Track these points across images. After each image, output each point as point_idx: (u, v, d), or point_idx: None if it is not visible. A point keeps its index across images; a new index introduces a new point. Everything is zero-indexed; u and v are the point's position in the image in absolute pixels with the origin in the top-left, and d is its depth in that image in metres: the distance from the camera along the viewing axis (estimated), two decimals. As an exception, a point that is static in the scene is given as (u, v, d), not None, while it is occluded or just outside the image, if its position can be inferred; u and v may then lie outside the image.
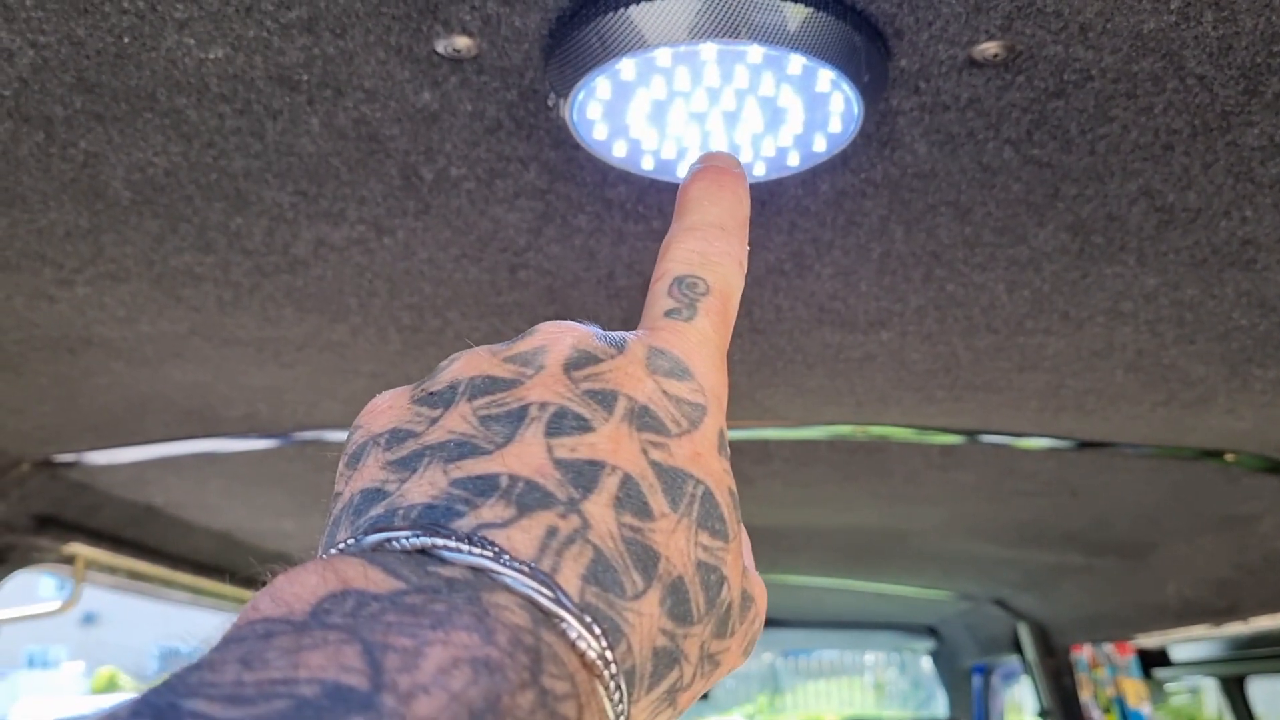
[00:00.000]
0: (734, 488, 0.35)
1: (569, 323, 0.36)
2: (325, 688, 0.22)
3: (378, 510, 0.31)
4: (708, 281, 0.38)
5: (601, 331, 0.36)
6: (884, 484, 1.55)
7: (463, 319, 0.81)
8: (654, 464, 0.32)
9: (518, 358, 0.35)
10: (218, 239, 0.70)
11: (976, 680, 3.60)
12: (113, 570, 1.68)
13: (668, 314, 0.37)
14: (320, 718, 0.21)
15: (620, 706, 0.29)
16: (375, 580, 0.26)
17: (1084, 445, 1.27)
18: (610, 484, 0.31)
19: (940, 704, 4.14)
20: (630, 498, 0.31)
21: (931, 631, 3.58)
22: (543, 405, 0.33)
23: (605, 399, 0.33)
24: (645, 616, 0.30)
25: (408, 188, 0.63)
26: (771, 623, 3.60)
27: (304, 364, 0.95)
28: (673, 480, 0.32)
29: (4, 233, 0.71)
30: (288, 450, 1.39)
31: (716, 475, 0.33)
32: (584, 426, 0.32)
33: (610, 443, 0.32)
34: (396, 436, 0.34)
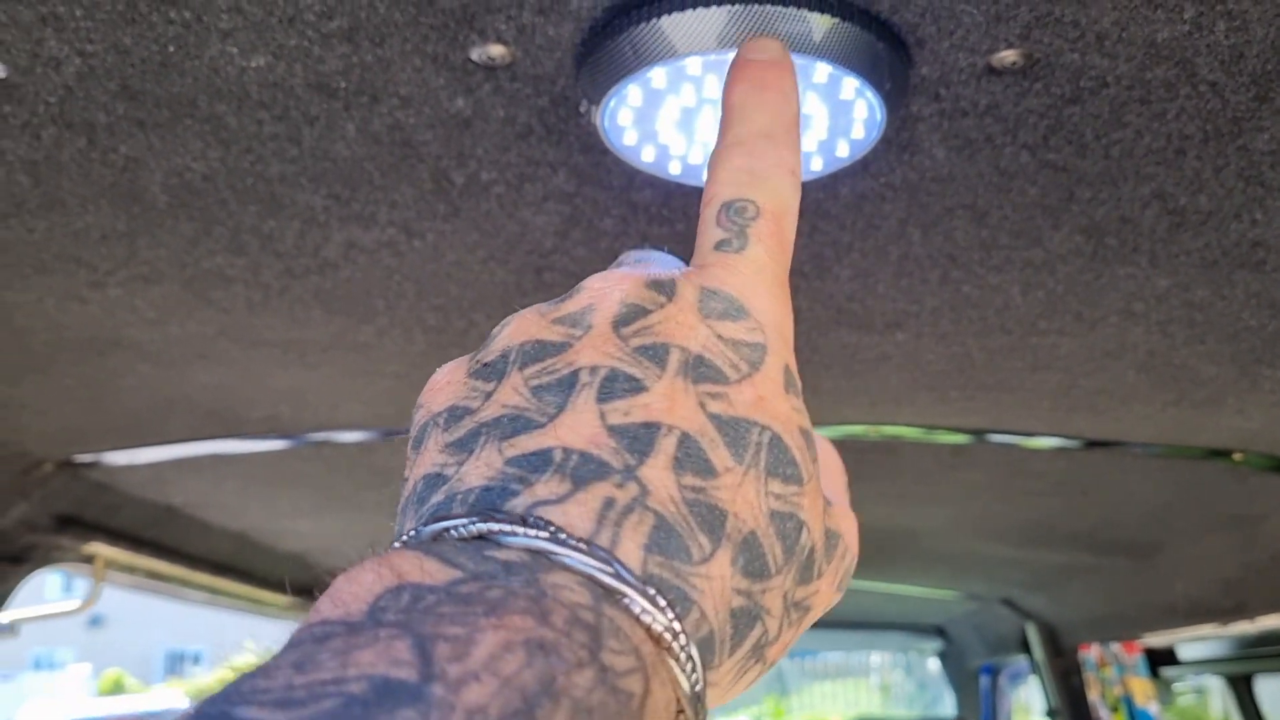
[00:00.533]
0: (806, 425, 0.33)
1: (617, 272, 0.35)
2: (374, 683, 0.22)
3: (439, 497, 0.30)
4: (757, 203, 0.36)
5: (651, 275, 0.34)
6: (895, 484, 1.57)
7: (487, 320, 0.83)
8: (713, 417, 0.30)
9: (566, 319, 0.34)
10: (250, 242, 0.72)
11: (984, 680, 3.61)
12: (131, 570, 1.70)
13: (718, 246, 0.35)
14: (368, 714, 0.21)
15: (694, 675, 0.28)
16: (431, 572, 0.26)
17: (1093, 445, 1.28)
18: (667, 445, 0.29)
19: (947, 705, 4.15)
20: (690, 457, 0.29)
21: (939, 632, 3.58)
22: (593, 369, 0.32)
23: (657, 354, 0.31)
24: (716, 580, 0.29)
25: (438, 191, 0.65)
26: None
27: (328, 365, 0.97)
28: (735, 431, 0.31)
29: (41, 236, 0.73)
30: (305, 451, 1.41)
31: (784, 417, 0.32)
32: (637, 387, 0.31)
33: (665, 401, 0.30)
34: (454, 415, 0.33)
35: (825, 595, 0.34)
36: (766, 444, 0.31)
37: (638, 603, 0.27)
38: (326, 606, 0.26)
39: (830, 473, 0.37)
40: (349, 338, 0.89)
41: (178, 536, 1.76)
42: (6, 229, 0.72)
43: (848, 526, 0.35)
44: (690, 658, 0.27)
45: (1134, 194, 0.65)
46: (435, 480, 0.31)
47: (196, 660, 28.29)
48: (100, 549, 1.56)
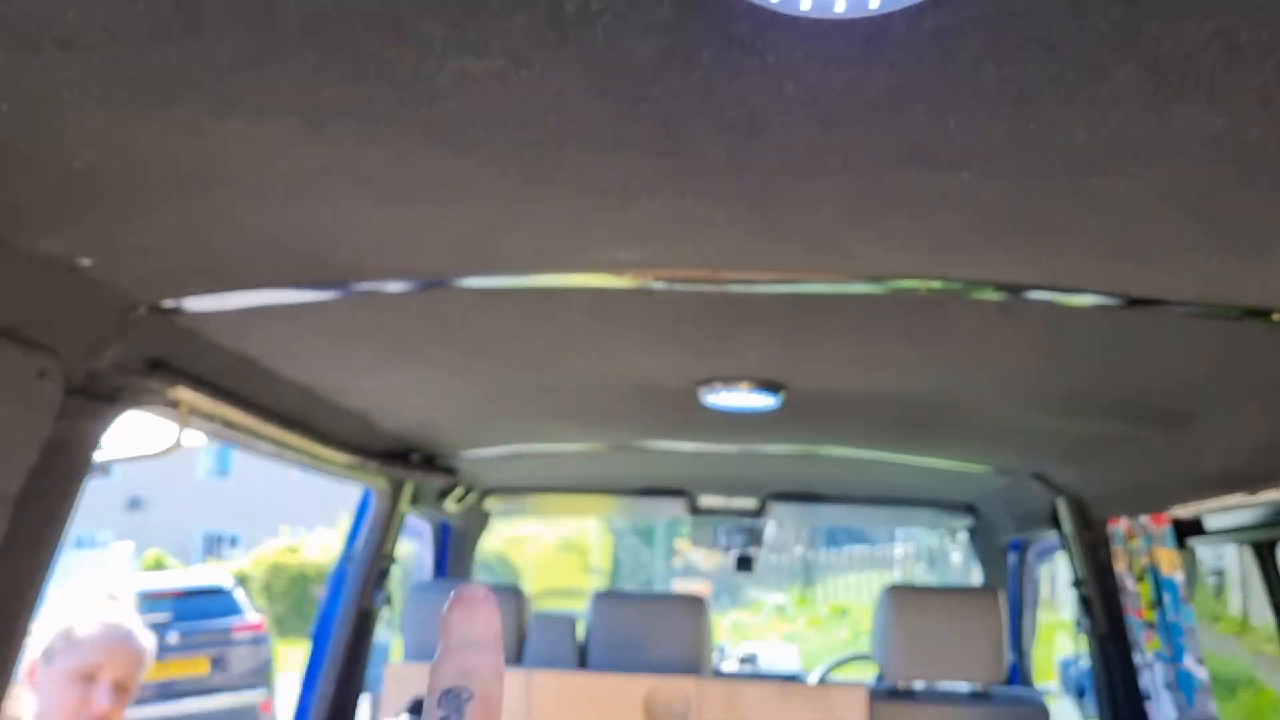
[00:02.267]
0: None
1: None
2: None
3: None
4: (471, 688, 0.44)
5: None
6: (939, 344, 1.63)
7: (580, 153, 0.89)
8: None
9: None
10: (369, 70, 0.77)
11: (1013, 557, 3.72)
12: (210, 417, 1.80)
13: None
14: None
15: None
16: None
17: (1135, 303, 1.33)
18: None
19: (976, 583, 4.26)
20: None
21: (970, 509, 3.68)
22: None
23: None
24: None
25: (550, 20, 0.70)
26: (813, 497, 3.73)
27: (423, 203, 1.03)
28: None
29: (176, 64, 0.79)
30: (379, 300, 1.48)
31: None
32: None
33: None
34: None
35: None
36: None
37: None
38: None
39: None
40: (446, 172, 0.95)
41: (252, 387, 1.86)
42: (144, 57, 0.78)
43: None
44: None
45: (1198, 28, 0.70)
46: None
47: (233, 543, 29.06)
48: (184, 394, 1.66)
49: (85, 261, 1.25)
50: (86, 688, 2.04)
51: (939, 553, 15.08)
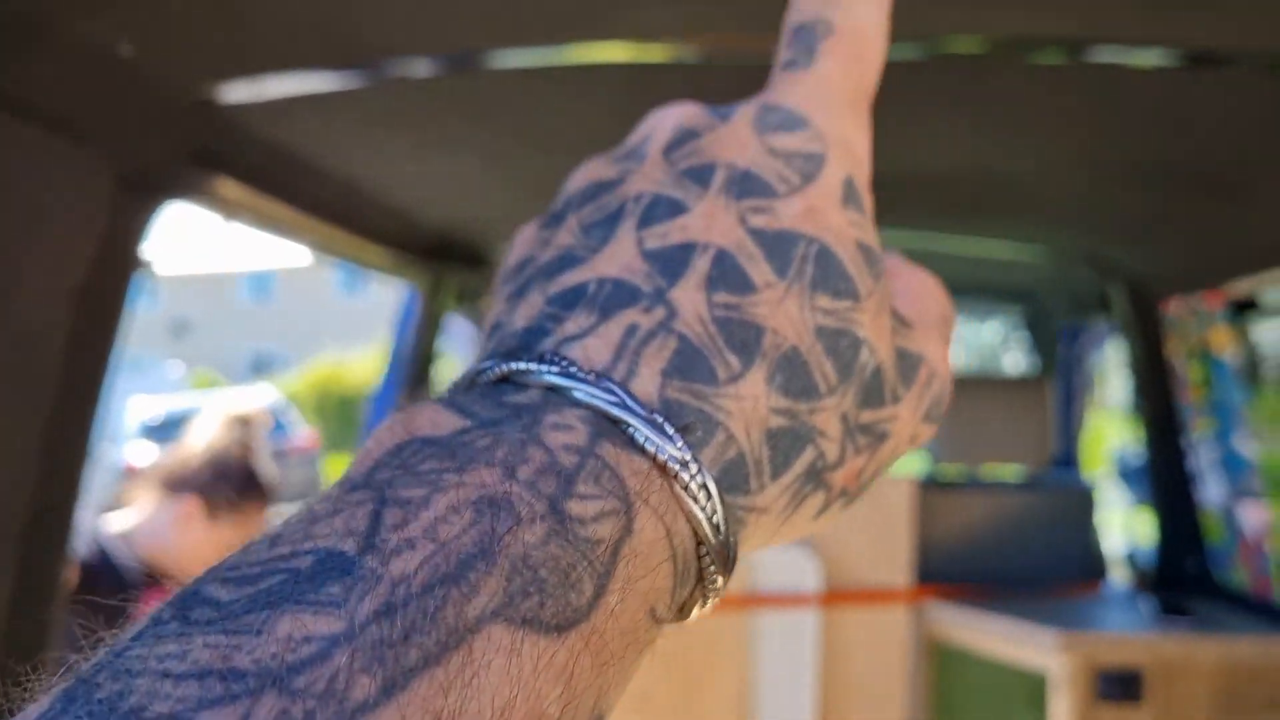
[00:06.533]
0: (867, 240, 0.30)
1: (679, 104, 0.33)
2: (318, 556, 0.21)
3: (491, 344, 0.30)
4: (830, 21, 0.33)
5: (713, 107, 0.33)
6: (985, 114, 1.57)
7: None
8: (754, 231, 0.29)
9: (624, 154, 0.33)
10: None
11: (1064, 345, 3.70)
12: (255, 210, 1.81)
13: (784, 67, 0.33)
14: (298, 589, 0.20)
15: (709, 505, 0.26)
16: (440, 423, 0.25)
17: (1196, 61, 1.27)
18: (701, 264, 0.28)
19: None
20: (725, 274, 0.28)
21: (1022, 296, 3.64)
22: (638, 197, 0.30)
23: (701, 174, 0.30)
24: (747, 399, 0.27)
25: None
26: None
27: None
28: (778, 245, 0.29)
29: None
30: (418, 82, 1.46)
31: (836, 229, 0.30)
32: (677, 209, 0.29)
33: (703, 220, 0.29)
34: (519, 268, 0.32)
35: (906, 423, 0.32)
36: (814, 256, 0.29)
37: (641, 432, 0.26)
38: (348, 468, 0.25)
39: (917, 297, 0.34)
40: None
41: (294, 180, 1.86)
42: None
43: (933, 351, 0.32)
44: (704, 486, 0.26)
45: None
46: (494, 329, 0.31)
47: (281, 363, 29.73)
48: (229, 187, 1.67)
49: (126, 49, 1.24)
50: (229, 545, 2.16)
51: (989, 354, 15.08)
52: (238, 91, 1.43)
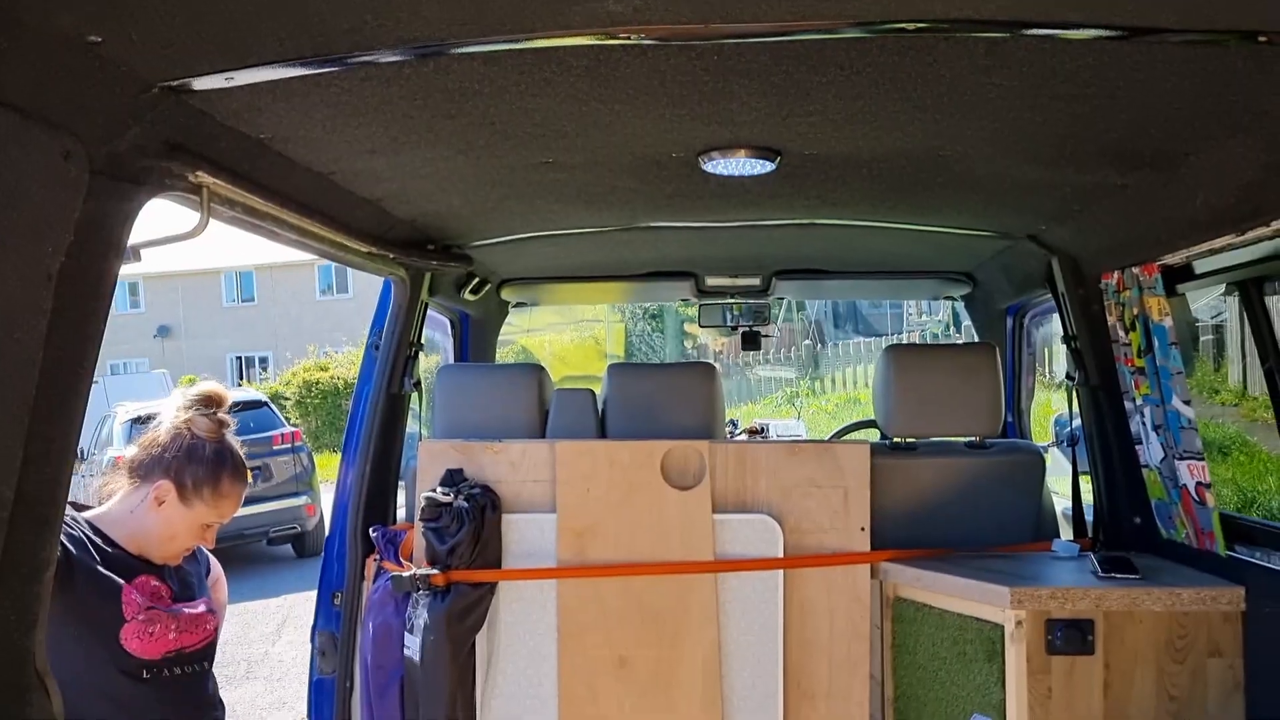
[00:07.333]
0: None
1: None
2: None
3: None
4: None
5: None
6: (929, 93, 1.66)
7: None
8: None
9: None
10: None
11: (1010, 321, 3.83)
12: (232, 204, 1.86)
13: None
14: None
15: None
16: None
17: (1127, 35, 1.36)
18: None
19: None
20: None
21: (968, 276, 3.76)
22: None
23: None
24: None
25: None
26: (816, 273, 3.81)
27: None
28: None
29: None
30: (385, 71, 1.52)
31: None
32: None
33: None
34: None
35: None
36: None
37: None
38: None
39: None
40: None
41: (270, 173, 1.92)
42: None
43: None
44: None
45: None
46: None
47: (264, 364, 29.64)
48: (205, 179, 1.72)
49: (96, 38, 1.29)
50: (206, 532, 2.21)
51: (945, 339, 15.32)
52: (210, 81, 1.49)
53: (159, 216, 1.82)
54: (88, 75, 1.36)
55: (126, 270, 1.70)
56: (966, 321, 4.34)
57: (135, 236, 1.62)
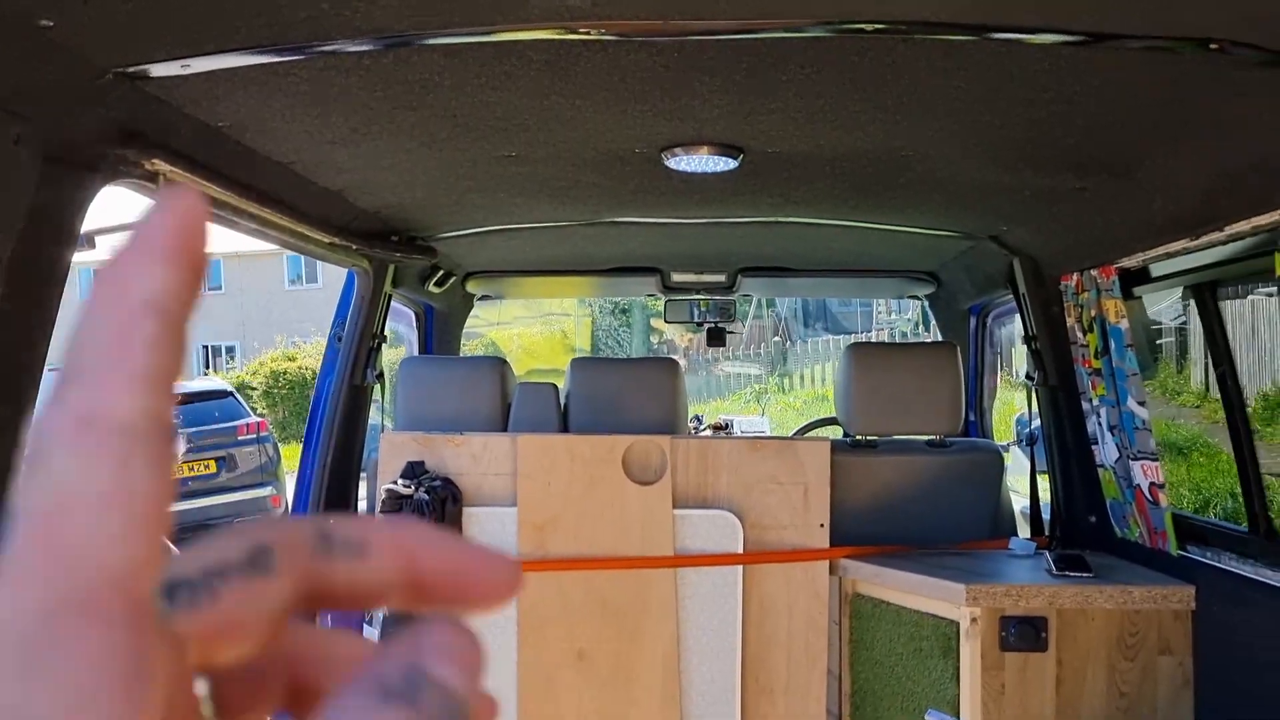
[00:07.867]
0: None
1: None
2: None
3: None
4: None
5: None
6: (890, 93, 1.67)
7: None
8: None
9: None
10: None
11: (973, 321, 3.86)
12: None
13: None
14: None
15: None
16: None
17: (1086, 41, 1.37)
18: None
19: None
20: None
21: (932, 276, 3.79)
22: None
23: None
24: None
25: None
26: (781, 270, 3.83)
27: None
28: None
29: None
30: (345, 61, 1.51)
31: None
32: None
33: None
34: None
35: None
36: None
37: None
38: None
39: None
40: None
41: (229, 162, 1.90)
42: None
43: None
44: None
45: None
46: None
47: (230, 353, 29.47)
48: (162, 166, 1.70)
49: (47, 22, 1.27)
50: None
51: (914, 338, 15.43)
52: (166, 68, 1.47)
53: (116, 203, 1.80)
54: (39, 60, 1.34)
55: (87, 257, 1.68)
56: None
57: (91, 224, 1.61)
